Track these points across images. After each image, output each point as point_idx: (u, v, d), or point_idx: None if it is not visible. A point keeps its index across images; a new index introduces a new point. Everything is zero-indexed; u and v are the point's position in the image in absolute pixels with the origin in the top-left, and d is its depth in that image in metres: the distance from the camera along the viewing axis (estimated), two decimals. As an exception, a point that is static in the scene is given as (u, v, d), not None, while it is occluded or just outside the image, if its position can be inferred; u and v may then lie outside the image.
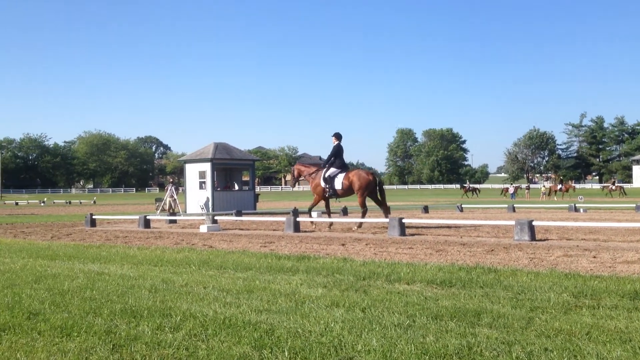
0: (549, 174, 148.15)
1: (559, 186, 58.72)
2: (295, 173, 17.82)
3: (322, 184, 16.48)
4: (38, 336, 4.57)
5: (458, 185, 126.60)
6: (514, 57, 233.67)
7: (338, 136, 16.55)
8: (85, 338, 4.46)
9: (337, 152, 16.49)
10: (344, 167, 16.51)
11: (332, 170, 16.42)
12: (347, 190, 16.23)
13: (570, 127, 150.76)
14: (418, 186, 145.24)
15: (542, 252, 9.54)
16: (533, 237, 11.46)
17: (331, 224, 16.26)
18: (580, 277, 6.74)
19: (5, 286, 6.85)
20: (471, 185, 75.24)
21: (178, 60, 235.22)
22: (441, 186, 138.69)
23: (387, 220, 14.24)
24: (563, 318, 4.84)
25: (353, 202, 21.21)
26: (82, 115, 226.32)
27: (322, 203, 17.10)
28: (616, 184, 64.66)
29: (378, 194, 16.27)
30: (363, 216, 16.15)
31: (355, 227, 15.69)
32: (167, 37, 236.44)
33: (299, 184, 19.54)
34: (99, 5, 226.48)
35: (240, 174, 30.06)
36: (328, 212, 17.34)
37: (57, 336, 4.55)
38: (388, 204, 17.05)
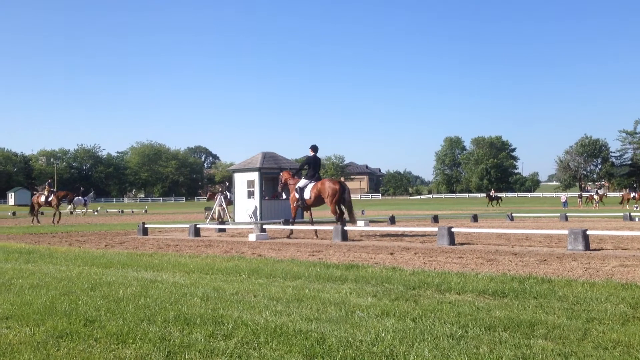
0: (602, 182, 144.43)
1: (632, 194, 57.06)
2: (283, 179, 18.57)
3: (295, 194, 17.25)
4: (95, 343, 4.67)
5: (509, 194, 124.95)
6: (565, 63, 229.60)
7: (314, 148, 17.34)
8: (141, 345, 4.54)
9: (308, 162, 17.30)
10: (314, 178, 17.07)
11: (304, 181, 17.23)
12: (315, 200, 16.94)
13: (624, 134, 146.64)
14: (466, 195, 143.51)
15: (597, 262, 9.31)
16: (587, 247, 11.20)
17: (292, 232, 17.24)
18: (637, 288, 6.55)
19: (62, 293, 7.04)
20: (495, 194, 75.82)
21: (226, 71, 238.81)
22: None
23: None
24: (620, 330, 4.71)
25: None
26: (134, 126, 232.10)
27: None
28: None
29: (344, 202, 16.79)
30: (338, 221, 16.84)
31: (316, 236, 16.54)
32: (215, 50, 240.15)
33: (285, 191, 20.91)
34: (149, 19, 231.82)
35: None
36: (308, 221, 18.14)
37: (113, 343, 4.64)
38: (437, 212, 17.14)
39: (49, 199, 32.81)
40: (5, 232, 22.47)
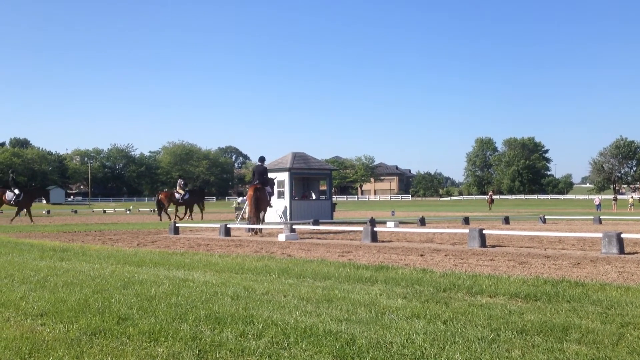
0: (637, 185, 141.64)
1: None
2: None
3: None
4: (127, 340, 4.73)
5: (541, 196, 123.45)
6: (599, 62, 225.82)
7: (260, 159, 20.66)
8: (172, 343, 4.59)
9: (253, 172, 20.44)
10: (251, 184, 20.05)
11: (248, 188, 20.69)
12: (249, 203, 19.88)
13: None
14: (498, 196, 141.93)
15: (632, 266, 9.14)
16: (622, 250, 11.00)
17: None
18: (675, 293, 6.42)
19: (96, 291, 7.14)
20: (491, 197, 76.44)
21: (258, 71, 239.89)
22: (522, 196, 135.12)
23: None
24: (657, 336, 4.62)
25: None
26: (166, 126, 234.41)
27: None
28: None
29: (258, 206, 19.64)
30: (253, 223, 19.47)
31: (252, 233, 19.03)
32: (247, 50, 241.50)
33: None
34: (183, 17, 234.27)
35: (317, 184, 30.18)
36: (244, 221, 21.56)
37: (145, 341, 4.70)
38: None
39: (185, 197, 32.52)
40: (40, 230, 22.88)
